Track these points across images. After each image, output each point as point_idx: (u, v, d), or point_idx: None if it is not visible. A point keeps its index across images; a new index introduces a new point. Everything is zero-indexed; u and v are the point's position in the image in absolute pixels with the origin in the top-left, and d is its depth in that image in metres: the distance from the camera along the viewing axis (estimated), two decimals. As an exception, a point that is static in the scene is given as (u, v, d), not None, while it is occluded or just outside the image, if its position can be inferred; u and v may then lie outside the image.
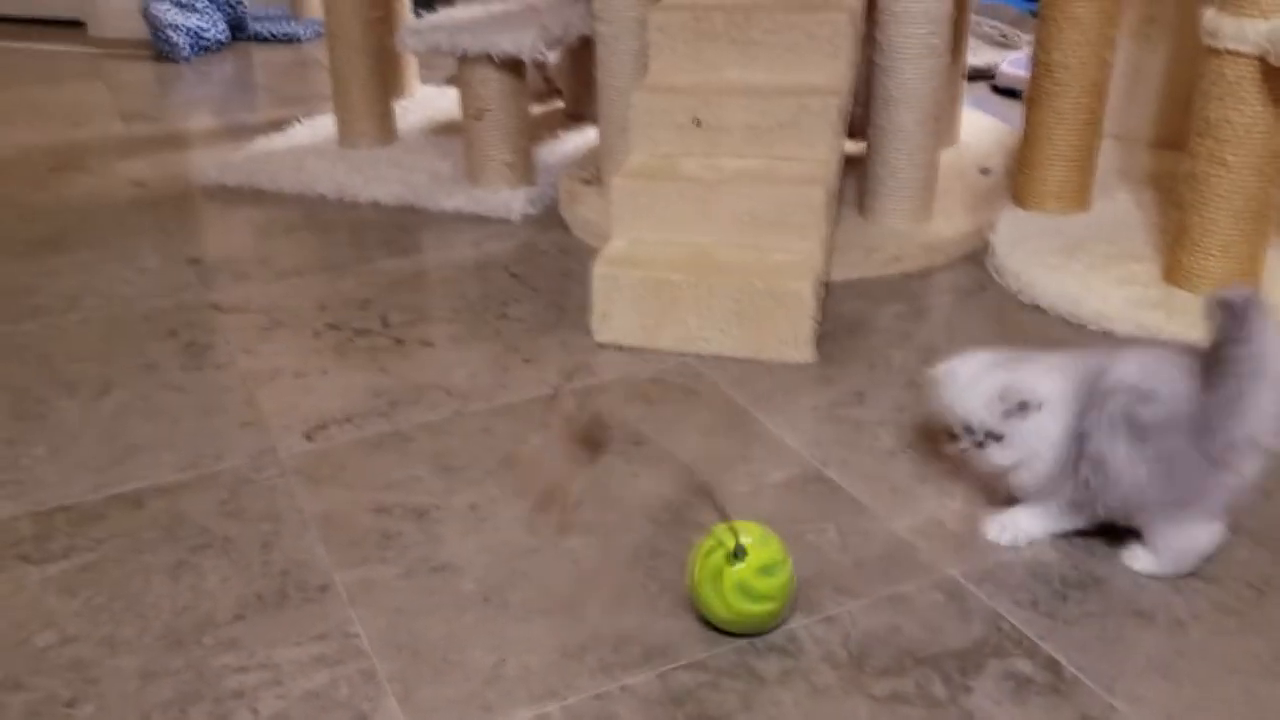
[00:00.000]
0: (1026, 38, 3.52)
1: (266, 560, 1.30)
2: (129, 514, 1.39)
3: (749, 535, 1.15)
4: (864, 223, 2.16)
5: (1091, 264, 1.96)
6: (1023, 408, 1.22)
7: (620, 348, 1.78)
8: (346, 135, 2.71)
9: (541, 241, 2.23)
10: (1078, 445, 1.23)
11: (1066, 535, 1.31)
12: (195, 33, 3.77)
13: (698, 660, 1.14)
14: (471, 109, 2.37)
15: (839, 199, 2.15)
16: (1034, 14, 2.27)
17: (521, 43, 2.28)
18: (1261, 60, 1.68)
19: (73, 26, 4.18)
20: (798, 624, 1.18)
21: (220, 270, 2.11)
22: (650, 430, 1.55)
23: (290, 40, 4.02)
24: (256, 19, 4.06)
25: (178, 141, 2.91)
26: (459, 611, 1.21)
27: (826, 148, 1.86)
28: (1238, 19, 1.68)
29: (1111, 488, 1.21)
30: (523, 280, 2.05)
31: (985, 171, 2.43)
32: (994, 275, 2.02)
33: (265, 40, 4.03)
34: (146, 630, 1.19)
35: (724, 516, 1.13)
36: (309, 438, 1.55)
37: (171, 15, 3.72)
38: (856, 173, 2.20)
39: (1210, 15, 1.72)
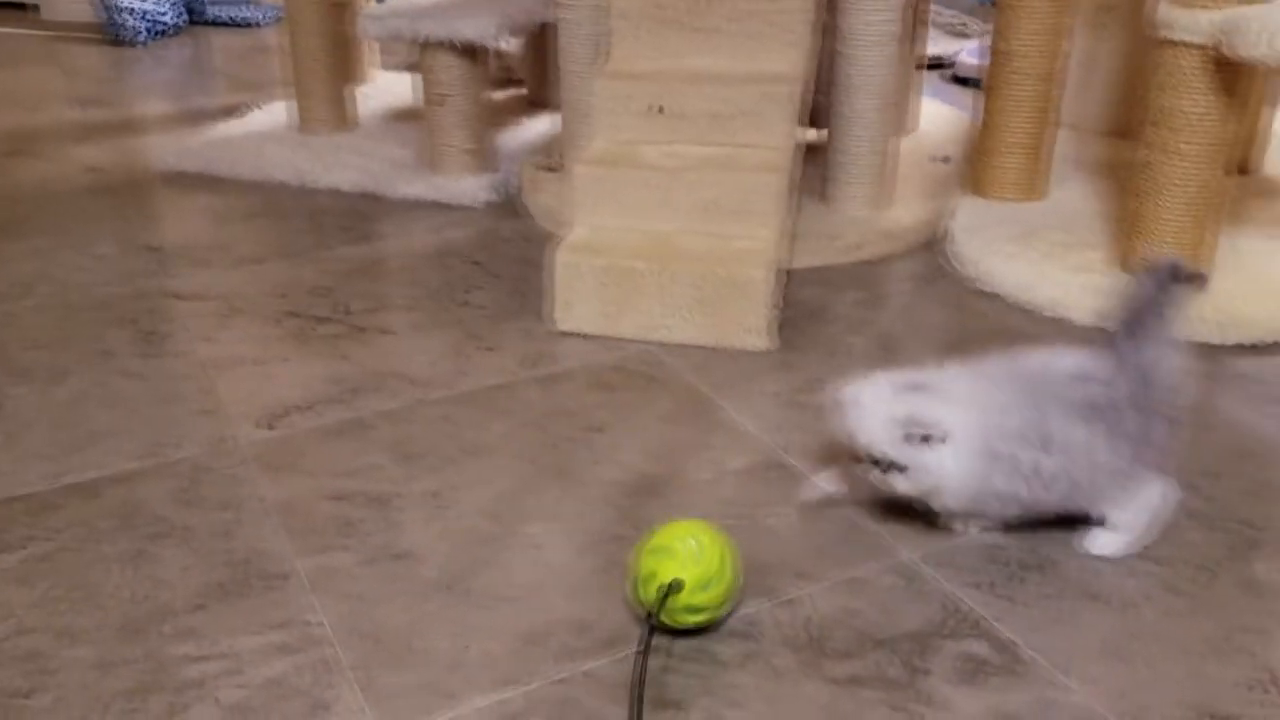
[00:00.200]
0: (984, 27, 3.55)
1: (226, 549, 1.29)
2: (86, 503, 1.38)
3: (680, 560, 1.13)
4: (824, 210, 2.17)
5: (1047, 252, 1.98)
6: (925, 440, 1.20)
7: (581, 335, 1.78)
8: (305, 122, 2.69)
9: (502, 229, 2.23)
10: (1038, 450, 1.22)
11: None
12: (151, 16, 3.72)
13: (659, 645, 1.14)
14: (432, 95, 2.36)
15: (799, 186, 2.16)
16: (991, 3, 2.29)
17: (482, 29, 2.27)
18: (1212, 51, 1.70)
19: (25, 9, 4.11)
20: (757, 608, 1.20)
21: (178, 257, 2.09)
22: (611, 418, 1.56)
23: (248, 25, 3.98)
24: (213, 3, 4.01)
25: (134, 127, 2.88)
26: (420, 599, 1.21)
27: (786, 135, 1.87)
28: (1190, 10, 1.70)
29: (1077, 475, 1.23)
30: (484, 268, 2.04)
31: (943, 160, 2.45)
32: (951, 263, 2.04)
33: (222, 25, 3.98)
34: (105, 620, 1.18)
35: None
36: (269, 426, 1.54)
37: (126, -1, 3.67)
38: (817, 160, 2.21)
39: (1163, 6, 1.75)
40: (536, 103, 2.92)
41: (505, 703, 1.08)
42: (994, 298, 1.92)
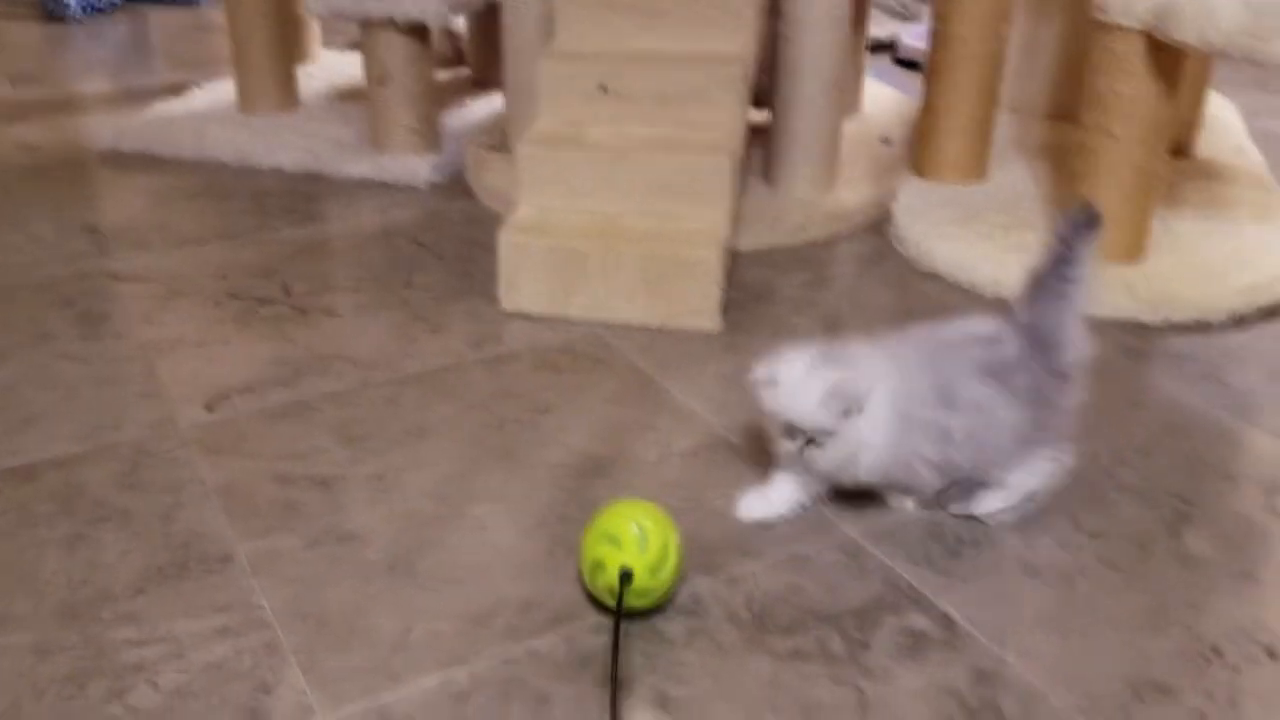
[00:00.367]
0: (926, 10, 3.57)
1: (166, 532, 1.28)
2: (21, 487, 1.36)
3: (626, 549, 1.13)
4: (770, 192, 2.18)
5: (987, 233, 2.01)
6: (844, 411, 1.21)
7: (528, 316, 1.78)
8: (247, 101, 2.65)
9: (448, 209, 2.21)
10: (945, 411, 1.25)
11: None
12: (87, -7, 3.65)
13: (603, 623, 1.15)
14: (376, 75, 2.34)
15: (745, 168, 2.17)
16: (935, -14, 2.31)
17: (427, 8, 2.25)
18: (1147, 35, 1.73)
19: (-44, -16, 4.02)
20: (702, 586, 1.21)
21: (118, 238, 2.06)
22: (557, 399, 1.56)
23: (187, 2, 3.91)
24: (152, -21, 3.95)
25: (70, 105, 2.82)
26: (364, 581, 1.21)
27: (733, 116, 1.87)
28: (1127, -6, 1.73)
29: (982, 436, 1.26)
30: (429, 248, 2.03)
31: (886, 142, 2.47)
32: (894, 244, 2.06)
33: (161, 1, 3.91)
34: (41, 605, 1.17)
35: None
36: (210, 408, 1.53)
37: (61, -26, 3.60)
38: (762, 142, 2.22)
39: (1102, -10, 1.77)
40: (482, 82, 2.90)
41: (450, 683, 1.08)
42: (936, 278, 1.94)
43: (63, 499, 1.34)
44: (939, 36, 2.19)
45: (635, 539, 1.14)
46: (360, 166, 2.36)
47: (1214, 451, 1.47)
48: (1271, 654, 1.13)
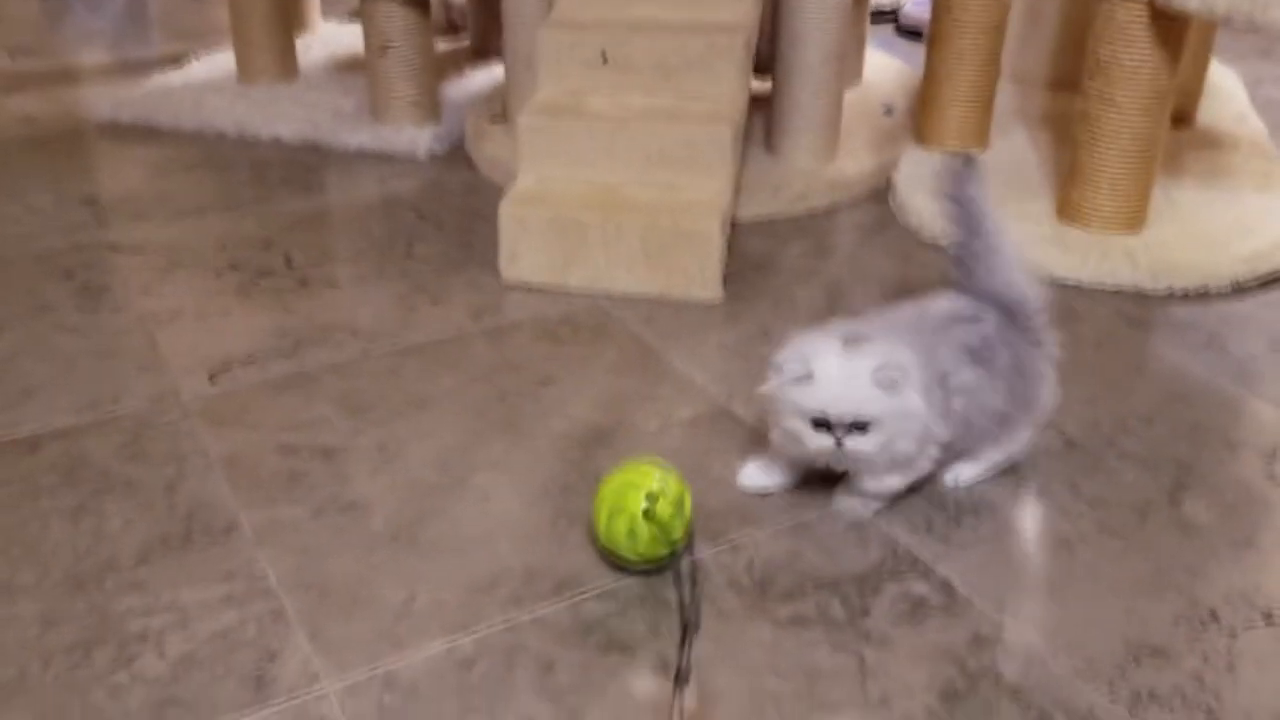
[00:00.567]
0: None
1: (170, 503, 1.29)
2: (24, 458, 1.36)
3: (650, 485, 1.15)
4: (771, 161, 2.18)
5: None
6: (902, 379, 1.15)
7: (529, 287, 1.78)
8: (246, 71, 2.64)
9: (448, 180, 2.21)
10: (941, 393, 1.22)
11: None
12: (83, -37, 3.63)
13: (607, 590, 1.16)
14: (375, 45, 2.33)
15: (746, 137, 2.16)
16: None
17: (425, -23, 2.24)
18: (1149, 3, 1.72)
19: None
20: (704, 553, 1.21)
21: (117, 210, 2.05)
22: (559, 370, 1.56)
23: (184, -28, 3.89)
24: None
25: (68, 77, 2.81)
26: (368, 550, 1.22)
27: (734, 85, 1.87)
28: (1130, -39, 1.72)
29: (971, 417, 1.25)
30: (429, 219, 2.03)
31: (888, 111, 2.46)
32: (896, 213, 2.06)
33: (158, -28, 3.89)
34: (46, 576, 1.17)
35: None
36: (212, 380, 1.53)
37: (57, -55, 3.58)
38: (763, 111, 2.21)
39: (1104, -43, 1.76)
40: (482, 52, 2.88)
41: (454, 650, 1.09)
42: (937, 247, 1.94)
43: (65, 470, 1.34)
44: (941, 5, 2.18)
45: (658, 479, 1.16)
46: (360, 137, 2.35)
47: (1214, 419, 1.47)
48: (1269, 619, 1.13)
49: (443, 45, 2.89)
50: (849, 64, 2.46)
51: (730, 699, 1.03)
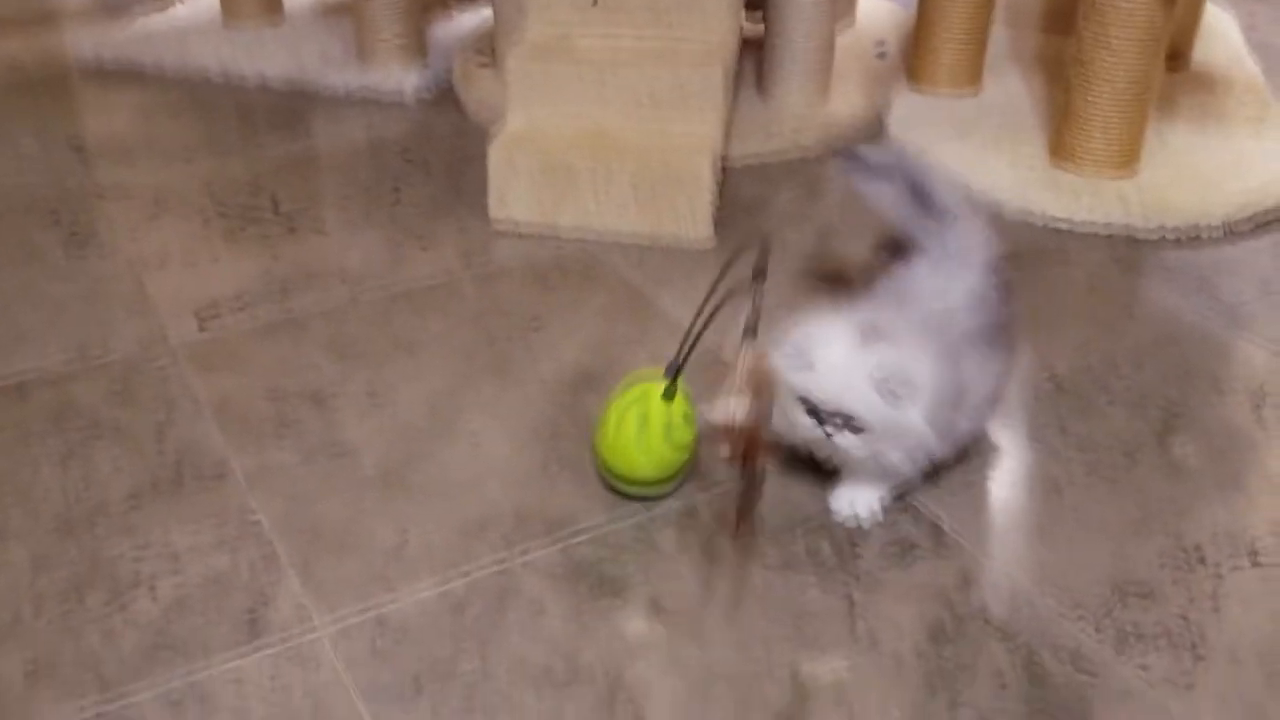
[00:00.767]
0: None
1: (160, 448, 1.28)
2: (14, 405, 1.36)
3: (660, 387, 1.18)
4: (762, 103, 2.16)
5: (981, 145, 1.99)
6: (907, 389, 1.07)
7: (518, 231, 1.77)
8: (231, 14, 2.61)
9: (436, 123, 2.19)
10: (951, 414, 1.14)
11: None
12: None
13: (599, 534, 1.16)
14: (361, -14, 2.30)
15: (738, 79, 2.14)
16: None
17: (411, -84, 2.20)
18: (1148, -60, 1.70)
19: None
20: (695, 497, 1.22)
21: (103, 154, 2.03)
22: (549, 314, 1.56)
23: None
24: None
25: (50, 19, 2.77)
26: (359, 494, 1.22)
27: (725, 26, 1.84)
28: (1127, -102, 1.70)
29: (977, 408, 1.21)
30: (417, 163, 2.01)
31: (880, 53, 2.43)
32: (888, 157, 2.05)
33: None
34: (37, 520, 1.18)
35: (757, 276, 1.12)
36: (201, 325, 1.52)
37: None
38: (755, 52, 2.19)
39: (1101, -106, 1.74)
40: (470, -6, 2.85)
41: (446, 593, 1.09)
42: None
43: (54, 416, 1.34)
44: (934, -57, 2.16)
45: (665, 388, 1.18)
46: (347, 79, 2.33)
47: (1204, 362, 1.47)
48: (1254, 559, 1.14)
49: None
50: (841, 5, 2.43)
51: (720, 640, 1.04)
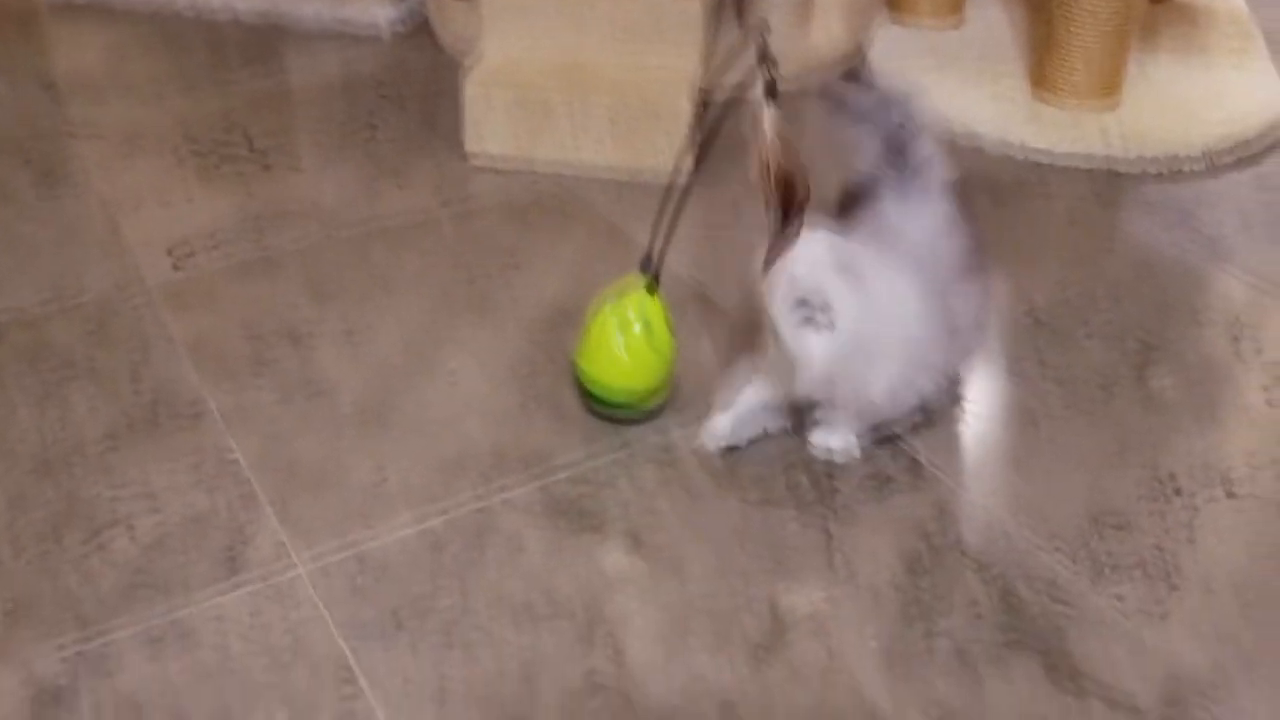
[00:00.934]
0: None
1: (136, 389, 1.28)
2: (-12, 346, 1.35)
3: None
4: (742, 35, 2.13)
5: (963, 79, 1.98)
6: (810, 320, 1.08)
7: (494, 166, 1.75)
8: (200, -54, 2.55)
9: (411, 59, 2.15)
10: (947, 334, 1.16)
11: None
12: None
13: (577, 472, 1.17)
14: (333, -83, 2.25)
15: (718, 10, 2.11)
16: None
17: None
18: None
19: None
20: (674, 435, 1.22)
21: (74, 93, 2.00)
22: (527, 251, 1.55)
23: None
24: None
25: (15, -47, 2.71)
26: (337, 432, 1.21)
27: (702, -42, 1.81)
28: None
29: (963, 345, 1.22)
30: (392, 99, 1.98)
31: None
32: (870, 90, 2.03)
33: None
34: (14, 462, 1.17)
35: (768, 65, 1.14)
36: (176, 265, 1.51)
37: None
38: (734, -15, 2.16)
39: None
40: (445, -74, 2.79)
41: (426, 531, 1.09)
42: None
43: (30, 357, 1.33)
44: None
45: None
46: (320, 14, 2.28)
47: (1183, 296, 1.47)
48: (1229, 490, 1.15)
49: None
50: (823, -65, 2.39)
51: (699, 574, 1.05)
